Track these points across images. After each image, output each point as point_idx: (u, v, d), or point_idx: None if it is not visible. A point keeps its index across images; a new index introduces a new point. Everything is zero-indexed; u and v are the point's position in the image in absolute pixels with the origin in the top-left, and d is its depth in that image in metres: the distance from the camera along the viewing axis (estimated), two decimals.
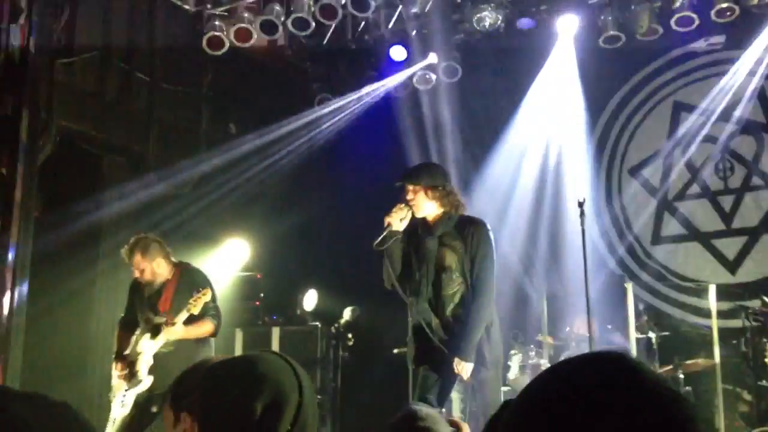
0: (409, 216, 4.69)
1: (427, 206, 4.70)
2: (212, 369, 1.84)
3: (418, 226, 4.77)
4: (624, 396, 0.86)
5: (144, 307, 5.66)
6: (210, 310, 5.56)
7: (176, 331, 5.38)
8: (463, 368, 4.52)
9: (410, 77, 8.34)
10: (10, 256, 6.20)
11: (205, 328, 5.54)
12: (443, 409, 4.55)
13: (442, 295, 4.66)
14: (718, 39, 7.93)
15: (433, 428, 2.48)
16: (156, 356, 5.46)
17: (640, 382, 0.88)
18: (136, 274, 5.63)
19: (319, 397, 6.89)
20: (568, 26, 7.69)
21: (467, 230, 4.68)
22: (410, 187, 4.69)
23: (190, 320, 5.44)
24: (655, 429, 0.84)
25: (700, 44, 8.04)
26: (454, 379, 4.64)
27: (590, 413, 0.84)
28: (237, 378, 1.68)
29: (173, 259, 5.74)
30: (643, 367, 0.91)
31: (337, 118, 8.54)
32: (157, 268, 5.62)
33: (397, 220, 4.66)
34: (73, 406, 0.92)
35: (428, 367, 4.72)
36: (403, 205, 4.69)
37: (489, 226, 4.76)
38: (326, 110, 8.55)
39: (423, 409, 2.57)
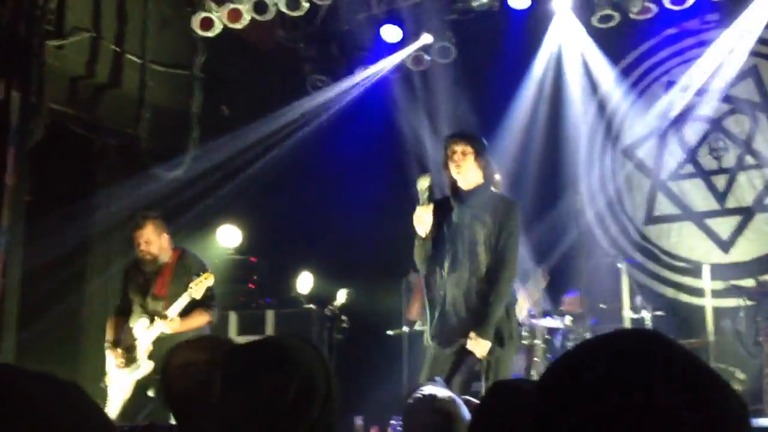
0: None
1: (472, 172, 4.61)
2: (242, 351, 1.84)
3: (449, 195, 4.67)
4: (660, 371, 0.83)
5: (139, 291, 5.60)
6: (208, 300, 5.54)
7: (173, 326, 5.34)
8: (479, 345, 4.41)
9: (404, 58, 8.29)
10: (2, 240, 6.16)
11: (202, 319, 5.50)
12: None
13: (468, 269, 4.54)
14: (712, 17, 7.91)
15: (452, 410, 2.45)
16: (154, 341, 5.41)
17: (676, 357, 0.85)
18: (142, 246, 5.50)
19: None
20: (562, 5, 7.65)
21: (498, 206, 4.61)
22: (461, 148, 4.57)
23: (188, 311, 5.40)
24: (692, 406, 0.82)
25: (694, 23, 8.02)
26: (468, 359, 4.54)
27: (625, 389, 0.82)
28: (272, 361, 1.70)
29: (172, 243, 5.71)
30: (677, 344, 0.88)
31: (330, 101, 8.47)
32: (164, 243, 5.59)
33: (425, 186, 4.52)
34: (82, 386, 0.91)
35: (440, 344, 4.59)
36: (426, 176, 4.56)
37: (519, 207, 4.70)
38: (319, 92, 8.49)
39: (441, 390, 2.53)
